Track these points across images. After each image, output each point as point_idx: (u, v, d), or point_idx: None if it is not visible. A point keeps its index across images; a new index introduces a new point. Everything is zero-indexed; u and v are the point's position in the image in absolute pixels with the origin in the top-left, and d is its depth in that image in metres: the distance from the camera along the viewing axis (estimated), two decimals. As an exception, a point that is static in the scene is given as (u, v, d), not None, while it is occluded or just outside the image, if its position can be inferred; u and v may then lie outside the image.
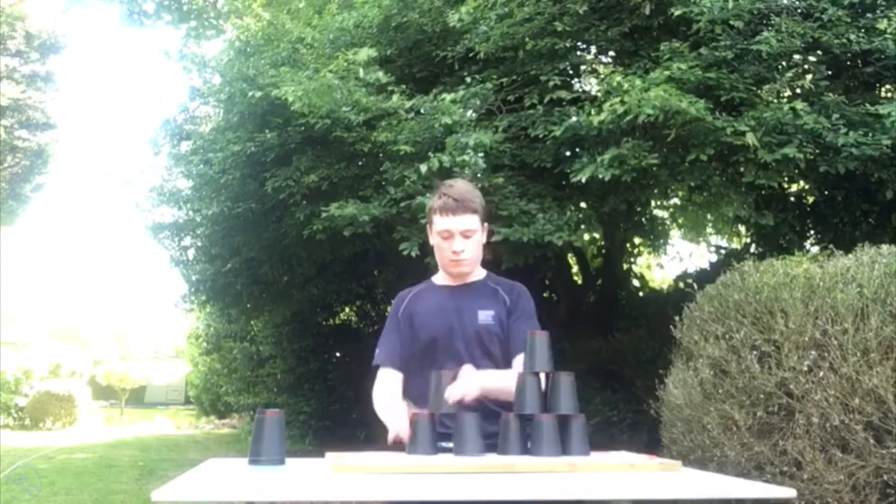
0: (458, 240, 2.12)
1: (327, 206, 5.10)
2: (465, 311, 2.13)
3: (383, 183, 5.27)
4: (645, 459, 1.77)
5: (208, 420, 17.63)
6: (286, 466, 1.70)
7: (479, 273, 2.24)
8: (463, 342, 2.11)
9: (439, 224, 2.14)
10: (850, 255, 3.28)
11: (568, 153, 5.38)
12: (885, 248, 3.20)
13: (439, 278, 2.27)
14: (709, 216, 7.75)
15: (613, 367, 6.56)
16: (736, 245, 8.55)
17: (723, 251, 8.74)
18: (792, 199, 6.66)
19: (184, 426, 16.92)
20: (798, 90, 5.02)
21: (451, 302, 2.16)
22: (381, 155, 5.55)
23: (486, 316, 2.12)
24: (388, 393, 2.15)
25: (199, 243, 8.14)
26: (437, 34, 5.80)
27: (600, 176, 4.55)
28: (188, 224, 7.76)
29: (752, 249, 7.22)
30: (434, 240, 2.20)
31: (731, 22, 4.87)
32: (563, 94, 5.12)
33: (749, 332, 3.21)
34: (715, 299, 3.52)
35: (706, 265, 8.52)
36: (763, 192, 5.56)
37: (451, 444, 1.84)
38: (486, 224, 2.20)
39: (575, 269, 8.65)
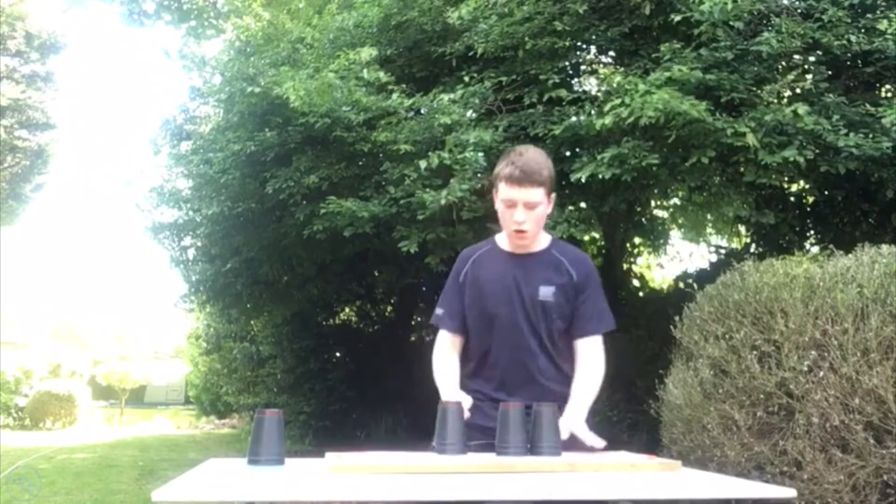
0: (521, 210, 2.07)
1: (326, 203, 5.10)
2: (526, 283, 2.12)
3: (383, 183, 5.27)
4: (645, 459, 1.77)
5: (208, 420, 17.62)
6: (285, 466, 1.70)
7: (544, 241, 2.21)
8: (523, 315, 2.10)
9: (504, 192, 2.09)
10: (850, 255, 3.28)
11: (568, 153, 5.38)
12: (885, 248, 3.20)
13: (503, 241, 2.23)
14: (709, 216, 7.76)
15: (613, 367, 6.55)
16: (736, 245, 8.55)
17: (723, 251, 8.74)
18: (792, 199, 6.66)
19: (184, 426, 16.91)
20: (798, 91, 5.02)
21: (514, 271, 2.14)
22: (381, 155, 5.55)
23: (546, 292, 2.10)
24: (447, 359, 2.20)
25: (199, 243, 8.14)
26: (437, 33, 5.80)
27: (600, 175, 4.55)
28: (188, 224, 7.76)
29: (752, 249, 7.22)
30: (498, 205, 2.15)
31: (731, 23, 4.87)
32: (563, 93, 5.12)
33: (749, 332, 3.21)
34: (715, 299, 3.51)
35: (706, 265, 8.52)
36: (763, 191, 5.56)
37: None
38: (552, 195, 2.16)
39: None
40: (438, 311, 2.25)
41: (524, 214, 2.07)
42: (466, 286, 2.19)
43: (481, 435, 1.95)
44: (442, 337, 2.24)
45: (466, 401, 2.01)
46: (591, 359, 2.17)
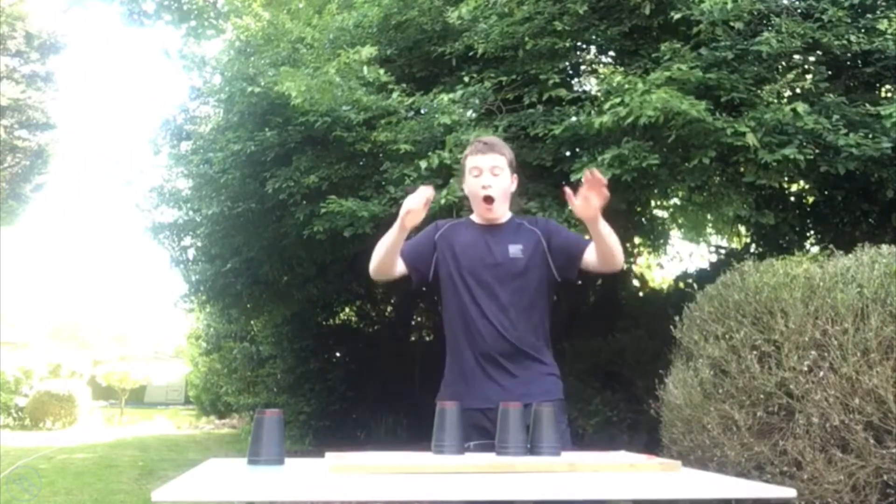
0: (487, 175, 2.32)
1: (326, 202, 5.10)
2: (496, 245, 2.32)
3: (383, 183, 5.27)
4: (645, 459, 1.77)
5: (208, 420, 17.62)
6: (285, 466, 1.70)
7: (507, 215, 2.43)
8: (493, 274, 2.27)
9: (470, 162, 2.35)
10: (850, 255, 3.28)
11: (568, 153, 5.38)
12: (885, 248, 3.20)
13: (475, 217, 2.44)
14: (709, 216, 7.75)
15: (613, 367, 6.56)
16: (736, 245, 8.55)
17: (723, 251, 8.74)
18: (792, 199, 6.66)
19: (184, 426, 16.91)
20: (798, 91, 5.02)
21: (484, 237, 2.34)
22: (381, 155, 5.55)
23: (515, 250, 2.30)
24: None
25: (199, 243, 8.13)
26: (437, 33, 5.80)
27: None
28: (188, 224, 7.76)
29: (752, 249, 7.22)
30: (467, 184, 2.38)
31: (731, 22, 4.87)
32: (563, 92, 5.12)
33: (749, 332, 3.21)
34: (715, 299, 3.51)
35: (706, 265, 8.53)
36: (763, 192, 5.56)
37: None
38: (514, 175, 2.41)
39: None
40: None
41: (490, 179, 2.32)
42: (440, 247, 2.37)
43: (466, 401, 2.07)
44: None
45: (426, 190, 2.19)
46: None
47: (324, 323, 11.28)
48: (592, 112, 4.70)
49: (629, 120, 4.40)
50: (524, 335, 2.22)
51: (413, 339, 11.57)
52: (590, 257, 2.27)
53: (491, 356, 2.20)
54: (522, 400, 1.94)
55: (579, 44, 5.94)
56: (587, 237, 2.28)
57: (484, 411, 2.09)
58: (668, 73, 4.50)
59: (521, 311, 2.24)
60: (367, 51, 5.24)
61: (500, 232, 2.36)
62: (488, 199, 2.32)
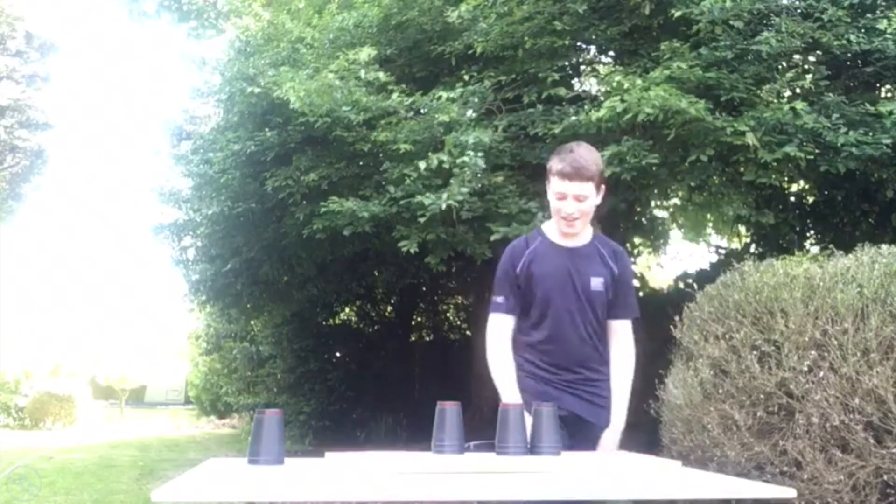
0: (571, 202, 2.29)
1: (327, 202, 5.10)
2: (579, 275, 2.34)
3: (383, 183, 5.26)
4: (645, 459, 1.77)
5: (208, 420, 17.62)
6: (285, 466, 1.70)
7: (588, 234, 2.43)
8: (576, 305, 2.33)
9: (556, 186, 2.31)
10: (850, 255, 3.28)
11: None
12: (885, 248, 3.19)
13: (552, 231, 2.42)
14: (709, 216, 7.75)
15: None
16: (736, 245, 8.55)
17: (723, 251, 8.74)
18: (792, 198, 6.66)
19: (184, 426, 16.91)
20: (798, 90, 5.02)
21: (567, 264, 2.35)
22: (381, 154, 5.55)
23: (597, 283, 2.34)
24: (505, 353, 2.35)
25: (199, 243, 8.13)
26: (437, 33, 5.80)
27: (600, 174, 4.55)
28: (188, 224, 7.76)
29: (752, 249, 7.22)
30: (550, 196, 2.36)
31: (731, 22, 4.87)
32: (562, 91, 5.12)
33: (749, 332, 3.20)
34: (715, 299, 3.51)
35: (706, 265, 8.52)
36: (763, 191, 5.56)
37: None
38: (602, 186, 2.38)
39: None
40: (498, 298, 2.39)
41: (574, 206, 2.29)
42: (522, 278, 2.36)
43: (531, 397, 2.22)
44: (498, 322, 2.38)
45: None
46: (625, 342, 2.45)
47: (324, 323, 11.28)
48: (591, 110, 4.70)
49: (628, 116, 4.40)
50: (597, 360, 2.42)
51: (413, 339, 11.57)
52: (610, 326, 2.41)
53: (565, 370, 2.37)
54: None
55: (579, 43, 5.94)
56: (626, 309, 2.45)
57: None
58: (667, 72, 4.50)
59: (594, 340, 2.38)
60: (367, 52, 5.24)
61: (582, 258, 2.38)
62: (570, 223, 2.33)
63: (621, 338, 2.44)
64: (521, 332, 2.39)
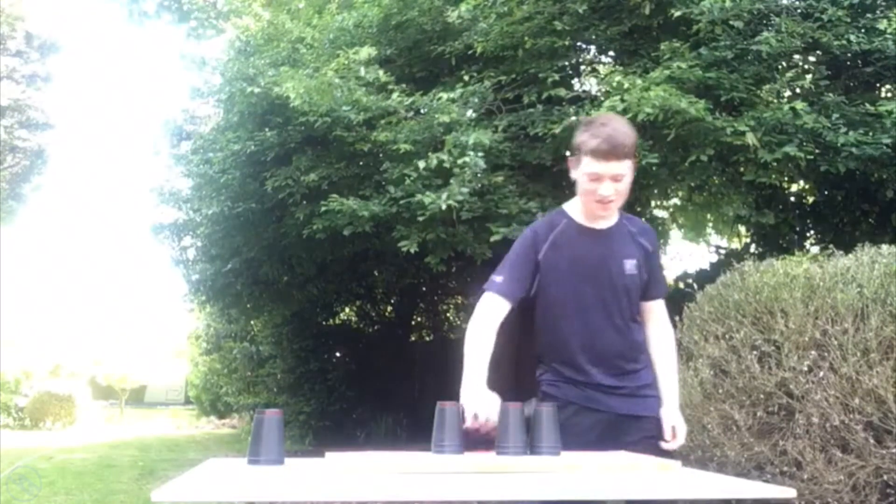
0: (607, 184, 2.00)
1: (328, 201, 5.10)
2: (611, 259, 2.09)
3: (383, 182, 5.27)
4: (645, 459, 1.77)
5: (208, 420, 17.62)
6: (285, 466, 1.70)
7: (616, 216, 2.16)
8: (610, 293, 2.08)
9: (589, 166, 2.00)
10: (850, 255, 3.28)
11: (567, 153, 5.37)
12: (885, 248, 3.20)
13: (577, 213, 2.14)
14: (709, 216, 7.75)
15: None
16: (736, 245, 8.55)
17: (723, 251, 8.73)
18: (792, 198, 6.67)
19: (184, 426, 16.91)
20: (798, 90, 5.03)
21: (597, 249, 2.10)
22: (380, 154, 5.55)
23: (631, 266, 2.09)
24: (487, 331, 2.03)
25: (199, 243, 8.14)
26: (437, 33, 5.80)
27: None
28: (188, 224, 7.76)
29: (752, 249, 7.22)
30: (579, 177, 2.06)
31: (731, 22, 4.87)
32: (562, 91, 5.12)
33: (749, 332, 3.21)
34: (715, 299, 3.51)
35: (706, 265, 8.52)
36: (763, 191, 5.56)
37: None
38: (634, 161, 2.10)
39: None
40: (497, 278, 2.10)
41: (611, 188, 2.00)
42: (543, 266, 2.09)
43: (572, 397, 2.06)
44: (492, 301, 2.08)
45: (490, 400, 1.88)
46: (663, 321, 2.23)
47: (324, 323, 11.28)
48: (592, 111, 4.70)
49: (628, 116, 4.40)
50: (630, 352, 2.18)
51: (413, 339, 11.57)
52: (646, 308, 2.18)
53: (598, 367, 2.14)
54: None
55: (579, 43, 5.94)
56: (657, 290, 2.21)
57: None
58: (667, 72, 4.50)
59: (628, 329, 2.14)
60: (367, 51, 5.25)
61: (613, 241, 2.12)
62: (605, 207, 2.05)
63: (658, 317, 2.22)
64: (545, 331, 2.13)
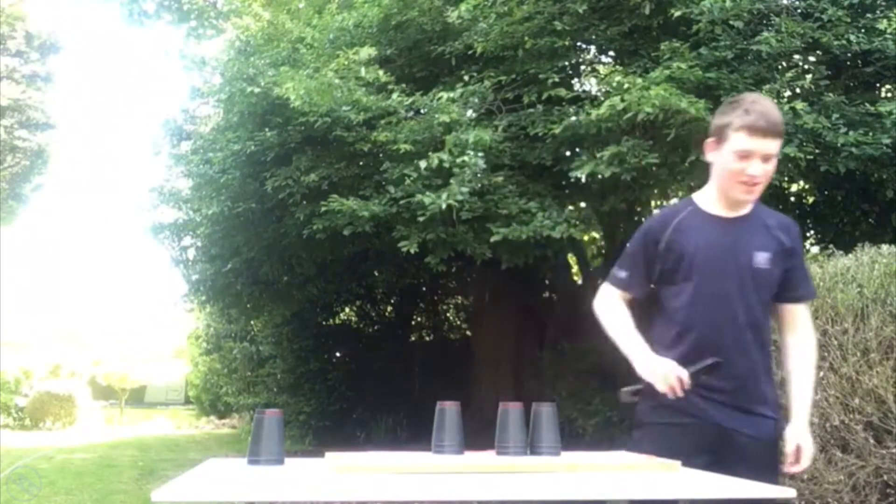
0: (757, 164, 1.89)
1: (328, 201, 5.10)
2: (740, 250, 1.94)
3: (383, 183, 5.27)
4: (645, 459, 1.77)
5: (208, 420, 17.61)
6: (285, 466, 1.70)
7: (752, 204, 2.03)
8: (737, 284, 1.92)
9: (740, 142, 1.88)
10: (850, 255, 3.28)
11: (568, 152, 5.38)
12: (885, 248, 3.20)
13: (707, 202, 2.04)
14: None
15: (614, 366, 6.55)
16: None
17: (723, 251, 8.72)
18: (792, 199, 6.66)
19: (184, 426, 16.90)
20: (798, 90, 5.02)
21: (726, 238, 1.96)
22: (381, 154, 5.55)
23: (763, 258, 1.93)
24: (620, 308, 2.03)
25: (199, 243, 8.13)
26: (437, 33, 5.80)
27: (599, 174, 4.56)
28: (188, 224, 7.76)
29: (752, 249, 7.21)
30: (722, 157, 1.95)
31: (731, 22, 4.87)
32: (562, 91, 5.12)
33: (749, 332, 3.20)
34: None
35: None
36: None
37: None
38: None
39: (575, 268, 8.65)
40: (621, 273, 2.05)
41: (760, 168, 1.90)
42: (663, 254, 1.98)
43: (668, 414, 1.92)
44: (610, 293, 2.06)
45: (667, 360, 1.86)
46: (806, 329, 2.04)
47: (324, 323, 11.28)
48: (591, 110, 4.70)
49: (628, 115, 4.40)
50: (758, 350, 2.00)
51: (413, 339, 11.57)
52: (787, 311, 2.01)
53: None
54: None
55: (579, 43, 5.94)
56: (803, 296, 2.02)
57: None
58: (667, 72, 4.50)
59: (757, 327, 1.97)
60: (366, 51, 5.24)
61: (745, 230, 1.97)
62: (751, 189, 1.93)
63: (801, 324, 2.02)
64: (658, 326, 2.02)
